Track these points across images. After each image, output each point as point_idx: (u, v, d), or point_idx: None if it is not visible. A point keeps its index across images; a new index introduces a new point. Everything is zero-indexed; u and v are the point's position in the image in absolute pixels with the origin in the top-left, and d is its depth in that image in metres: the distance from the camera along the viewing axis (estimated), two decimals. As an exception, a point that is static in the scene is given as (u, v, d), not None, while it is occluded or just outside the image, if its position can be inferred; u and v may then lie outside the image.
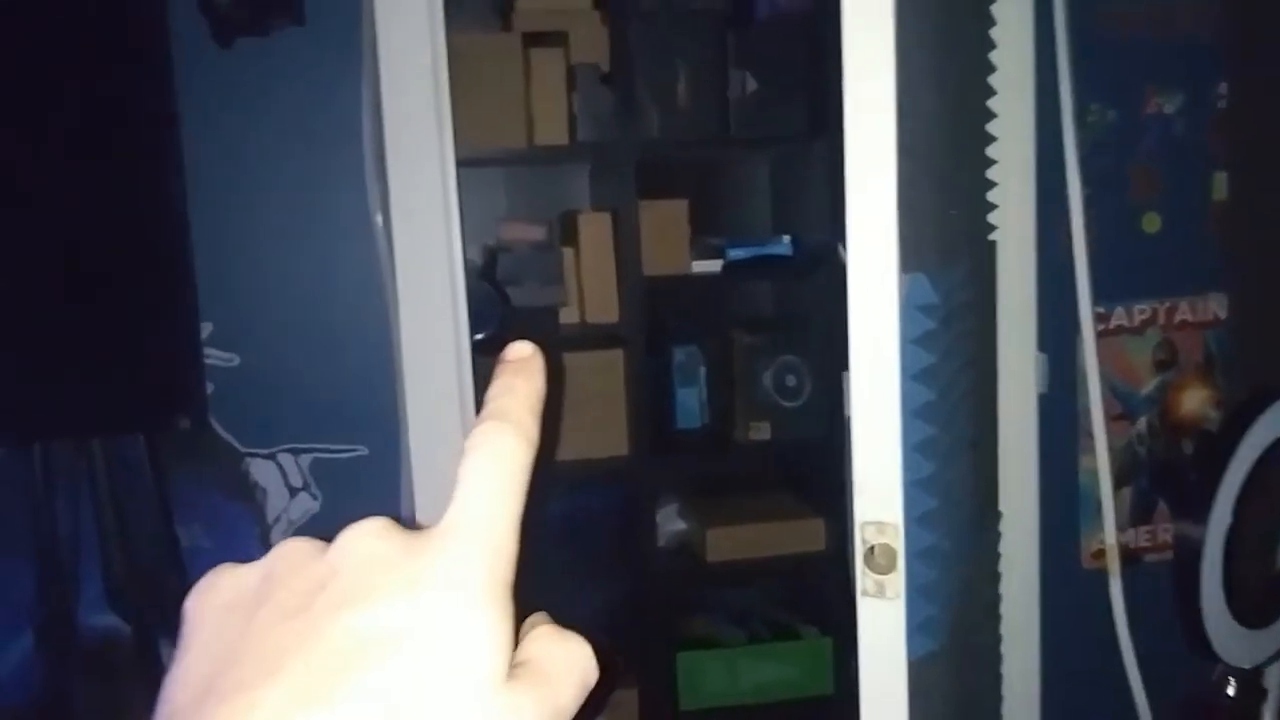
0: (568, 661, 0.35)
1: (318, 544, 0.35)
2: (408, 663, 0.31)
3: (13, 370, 1.56)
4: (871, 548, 1.13)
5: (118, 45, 1.62)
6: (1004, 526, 1.86)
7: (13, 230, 1.57)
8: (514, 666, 0.33)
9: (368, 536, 0.34)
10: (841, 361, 2.45)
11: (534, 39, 2.37)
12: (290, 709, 0.30)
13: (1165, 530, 2.16)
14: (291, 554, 0.35)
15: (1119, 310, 2.09)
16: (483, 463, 0.36)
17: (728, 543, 2.56)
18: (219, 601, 0.35)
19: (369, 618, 0.31)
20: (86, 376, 1.59)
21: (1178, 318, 2.13)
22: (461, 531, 0.34)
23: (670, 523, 2.72)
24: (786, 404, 2.61)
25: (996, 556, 1.83)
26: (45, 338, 1.58)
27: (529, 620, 0.37)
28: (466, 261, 1.83)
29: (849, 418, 1.16)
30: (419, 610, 0.31)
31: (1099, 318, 2.00)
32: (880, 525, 1.13)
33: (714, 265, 2.56)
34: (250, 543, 1.86)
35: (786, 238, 2.61)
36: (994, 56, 1.79)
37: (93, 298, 1.59)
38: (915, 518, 1.15)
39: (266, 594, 0.34)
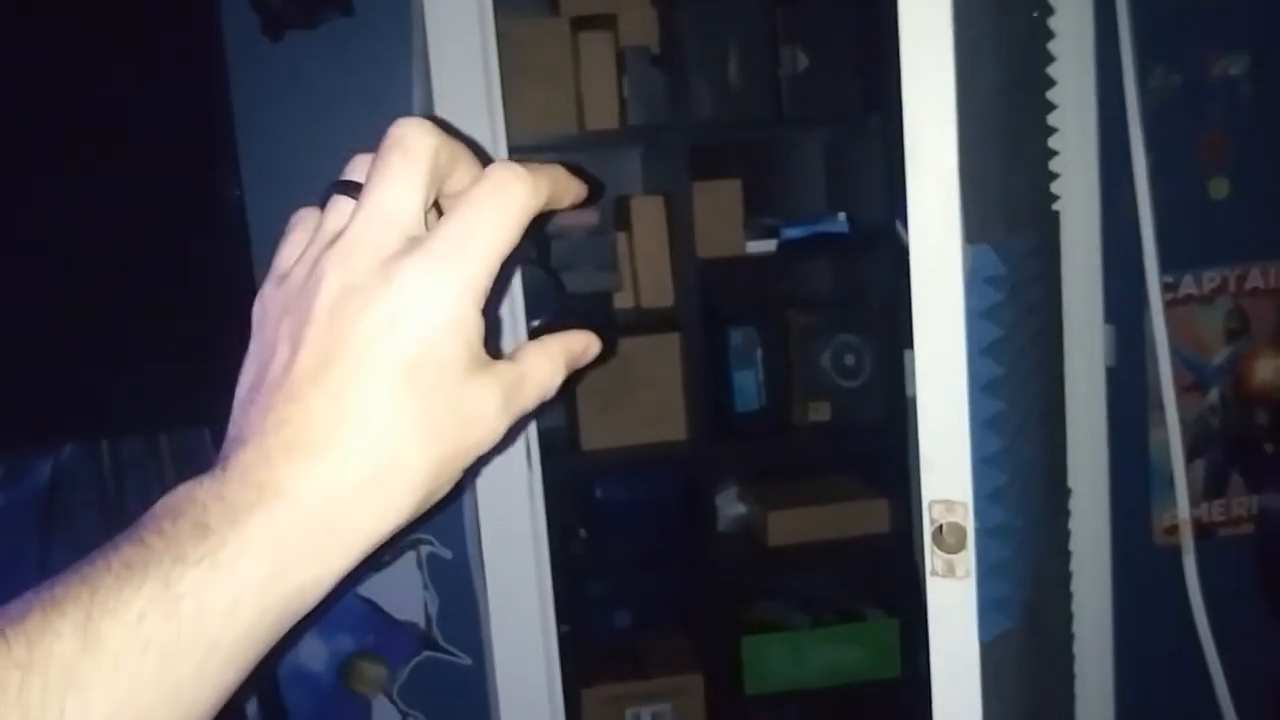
0: (539, 371, 0.46)
1: (335, 253, 0.42)
2: (394, 344, 0.40)
3: (80, 366, 1.59)
4: (940, 526, 1.11)
5: (171, 42, 1.64)
6: (1074, 503, 1.82)
7: (74, 228, 1.59)
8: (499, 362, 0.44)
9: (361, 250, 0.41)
10: (901, 339, 2.43)
11: (583, 22, 2.36)
12: (304, 387, 0.40)
13: (1240, 504, 2.11)
14: (299, 272, 0.43)
15: (1188, 279, 2.04)
16: (487, 195, 0.43)
17: (790, 526, 2.54)
18: (260, 309, 0.45)
19: (368, 319, 0.40)
20: (153, 372, 1.62)
21: (1249, 285, 2.07)
22: (446, 249, 0.41)
23: (731, 507, 2.71)
24: (846, 384, 2.58)
25: (1067, 534, 1.79)
26: (112, 334, 1.61)
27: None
28: (520, 248, 1.82)
29: (911, 397, 1.14)
30: (403, 306, 0.40)
31: (1167, 287, 1.95)
32: (949, 503, 1.11)
33: (769, 245, 2.54)
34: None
35: (842, 215, 2.57)
36: (1053, 22, 1.75)
37: (157, 295, 1.61)
38: (985, 494, 1.13)
39: (290, 303, 0.42)
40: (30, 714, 0.34)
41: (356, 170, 0.46)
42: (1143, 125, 1.82)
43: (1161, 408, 1.90)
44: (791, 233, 2.53)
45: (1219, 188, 2.05)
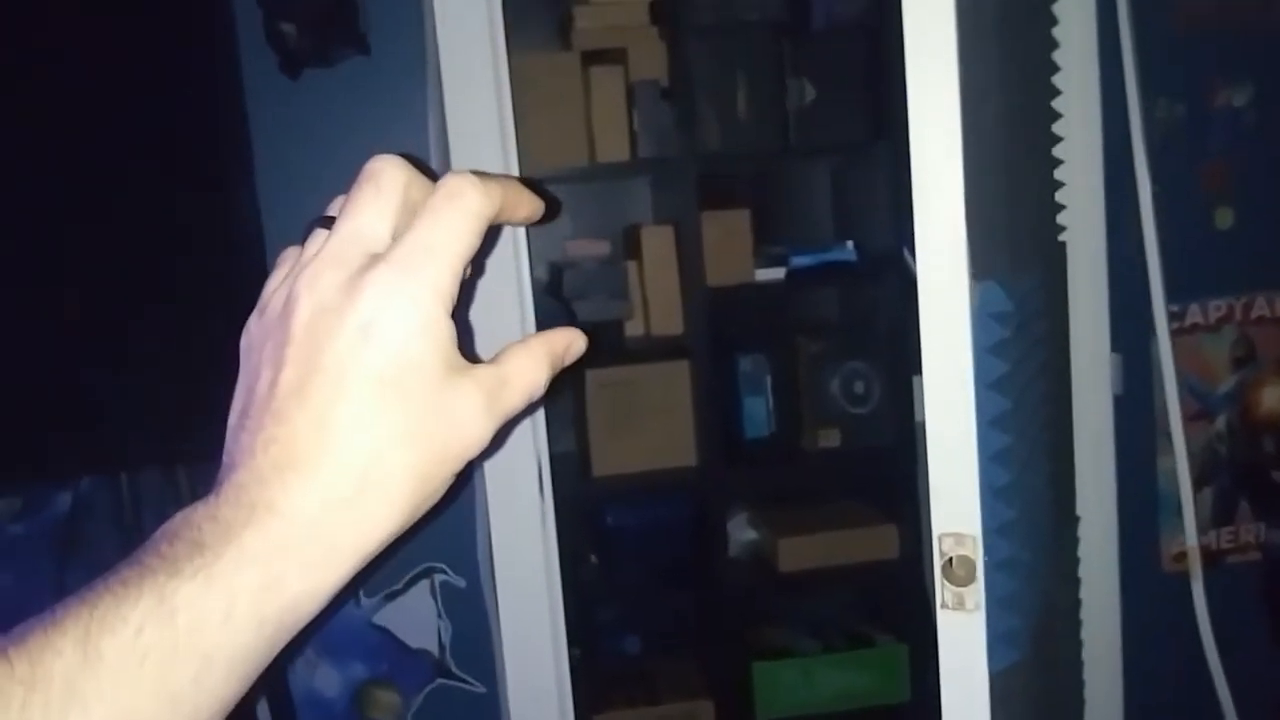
0: (523, 372, 0.46)
1: (308, 279, 0.43)
2: (367, 354, 0.41)
3: (99, 399, 1.61)
4: (950, 559, 1.13)
5: (190, 80, 1.67)
6: (1082, 530, 1.83)
7: (94, 260, 1.62)
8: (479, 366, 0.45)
9: (328, 269, 0.43)
10: (910, 366, 2.45)
11: (594, 57, 2.40)
12: (288, 405, 0.41)
13: (1248, 531, 2.12)
14: (277, 301, 0.45)
15: (1194, 308, 2.06)
16: (442, 203, 0.44)
17: (800, 551, 2.55)
18: (246, 341, 0.46)
19: (340, 335, 0.42)
20: (171, 404, 1.64)
21: (1255, 313, 2.08)
22: (407, 258, 0.42)
23: (741, 532, 2.73)
24: (855, 410, 2.60)
25: (1076, 561, 1.80)
26: (131, 366, 1.63)
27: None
28: (533, 278, 1.85)
29: (920, 422, 1.16)
30: (372, 316, 0.42)
31: (1173, 316, 1.96)
32: (958, 537, 1.12)
33: (777, 273, 2.56)
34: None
35: (850, 243, 2.60)
36: (1057, 56, 1.78)
37: (174, 329, 1.64)
38: (994, 528, 1.14)
39: (270, 330, 0.44)
40: None
41: (336, 208, 0.47)
42: (1148, 155, 1.84)
43: (1169, 435, 1.91)
44: (800, 261, 2.56)
45: (1224, 217, 2.07)
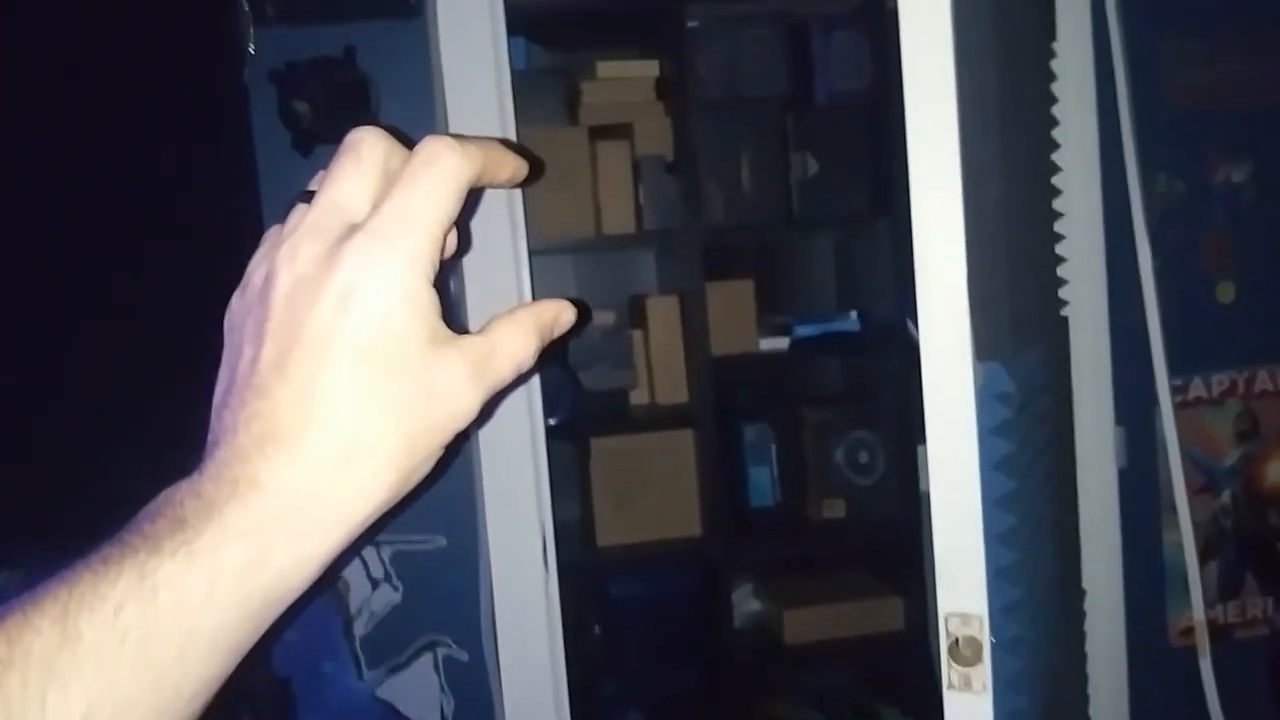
0: (510, 343, 0.45)
1: (288, 251, 0.43)
2: (347, 323, 0.41)
3: (107, 464, 1.62)
4: (956, 640, 1.13)
5: (205, 158, 1.70)
6: (1089, 604, 1.83)
7: (110, 344, 1.64)
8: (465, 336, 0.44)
9: (306, 241, 0.43)
10: (915, 435, 2.44)
11: (600, 132, 2.44)
12: (269, 379, 0.41)
13: (1255, 605, 2.10)
14: (258, 277, 0.44)
15: (1196, 381, 2.07)
16: (420, 169, 0.43)
17: (806, 623, 2.54)
18: (229, 319, 0.45)
19: (319, 305, 0.41)
20: (178, 471, 1.64)
21: (1258, 387, 2.09)
22: (384, 225, 0.42)
23: (747, 603, 2.71)
24: (860, 480, 2.60)
25: (1083, 636, 1.80)
26: (137, 428, 1.64)
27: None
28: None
29: (925, 493, 1.16)
30: (351, 285, 0.41)
31: (1176, 389, 1.97)
32: (964, 617, 1.12)
33: (781, 343, 2.58)
34: (334, 635, 1.89)
35: (853, 313, 2.62)
36: (1057, 133, 1.81)
37: (189, 399, 1.65)
38: (1000, 608, 1.14)
39: (252, 306, 0.43)
40: (12, 708, 0.34)
41: (317, 182, 0.46)
42: (1148, 231, 1.86)
43: (1174, 509, 1.91)
44: (803, 330, 2.58)
45: (1226, 291, 2.09)
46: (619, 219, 2.43)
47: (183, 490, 0.40)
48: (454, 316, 0.43)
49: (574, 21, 2.41)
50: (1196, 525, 1.92)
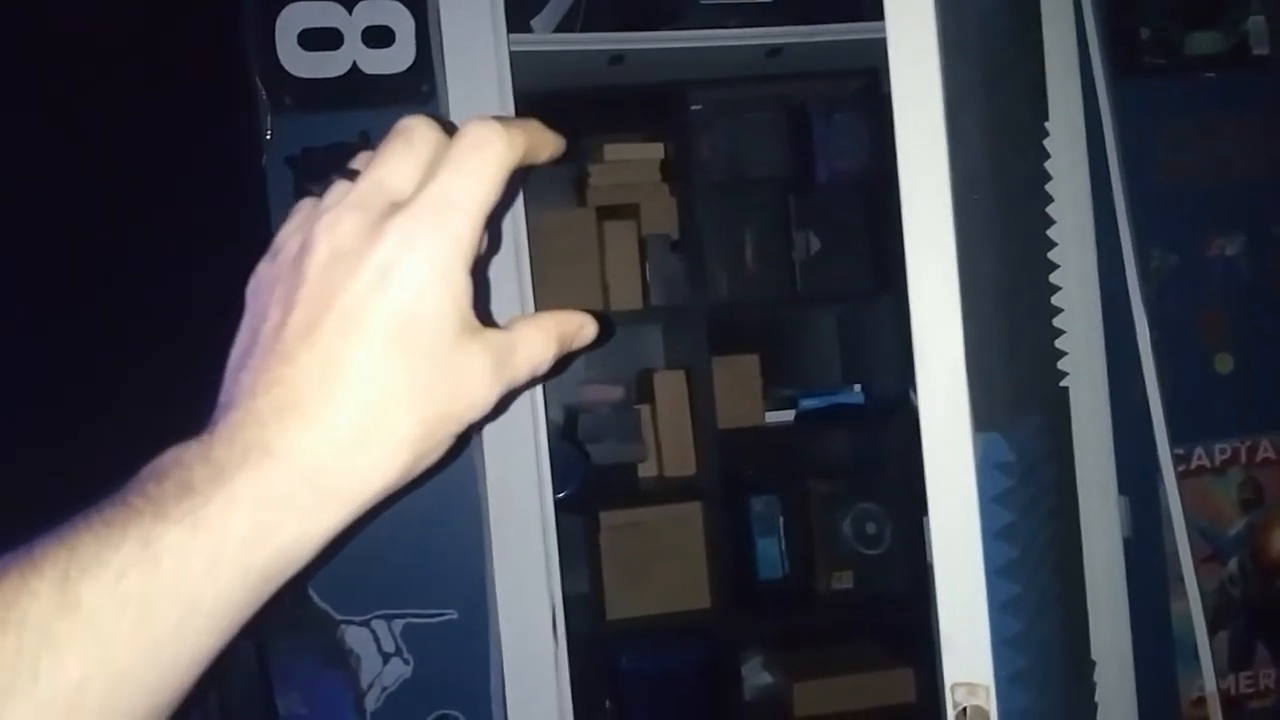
0: (531, 343, 0.45)
1: (325, 225, 0.42)
2: (384, 298, 0.40)
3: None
4: (963, 710, 1.14)
5: (218, 223, 1.74)
6: (1099, 676, 1.82)
7: (124, 413, 1.67)
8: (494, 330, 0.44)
9: (349, 214, 0.42)
10: (921, 506, 2.46)
11: (607, 212, 2.50)
12: (295, 346, 0.40)
13: (1267, 676, 2.10)
14: (292, 245, 0.44)
15: (1198, 450, 2.08)
16: (465, 153, 0.43)
17: (816, 696, 2.53)
18: (255, 284, 0.45)
19: (357, 279, 0.41)
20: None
21: (1260, 456, 2.11)
22: (430, 206, 0.42)
23: (756, 676, 2.70)
24: (868, 552, 2.61)
25: (1094, 708, 1.79)
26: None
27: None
28: (549, 422, 1.89)
29: (932, 564, 1.18)
30: (392, 260, 0.41)
31: (1179, 459, 1.99)
32: (971, 687, 1.14)
33: (787, 416, 2.61)
34: (345, 709, 1.89)
35: (857, 386, 2.65)
36: (1052, 209, 1.85)
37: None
38: (1006, 677, 1.16)
39: (282, 273, 0.43)
40: (4, 674, 0.33)
41: (360, 162, 0.46)
42: (1145, 304, 1.89)
43: (1181, 579, 1.92)
44: (809, 403, 2.61)
45: (1224, 362, 2.11)
46: (626, 296, 2.49)
47: (192, 452, 0.39)
48: (482, 308, 0.43)
49: (581, 106, 2.49)
50: (1204, 595, 1.92)
